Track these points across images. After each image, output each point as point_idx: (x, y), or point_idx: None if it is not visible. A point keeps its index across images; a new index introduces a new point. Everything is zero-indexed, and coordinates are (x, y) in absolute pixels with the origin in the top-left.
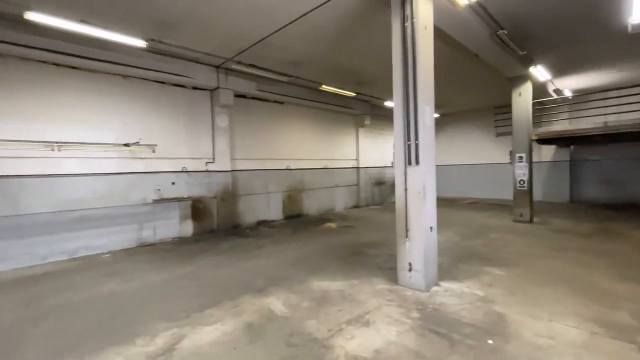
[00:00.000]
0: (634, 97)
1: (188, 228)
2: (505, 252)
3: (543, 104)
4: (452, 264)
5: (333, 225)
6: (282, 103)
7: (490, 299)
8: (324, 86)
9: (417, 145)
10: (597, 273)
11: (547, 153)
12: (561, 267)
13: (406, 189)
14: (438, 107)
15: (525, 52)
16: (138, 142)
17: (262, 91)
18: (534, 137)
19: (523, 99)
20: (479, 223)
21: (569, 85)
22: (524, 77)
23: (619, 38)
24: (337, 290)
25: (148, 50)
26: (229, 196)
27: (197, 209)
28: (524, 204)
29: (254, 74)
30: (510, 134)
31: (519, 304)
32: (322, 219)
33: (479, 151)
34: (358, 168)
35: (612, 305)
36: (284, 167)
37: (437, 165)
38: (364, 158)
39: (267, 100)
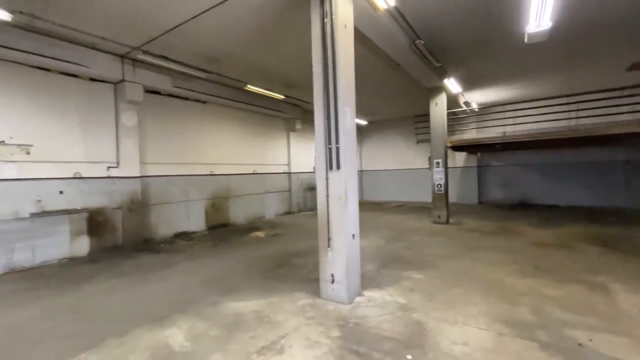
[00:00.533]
0: (526, 111)
1: (82, 245)
2: (424, 254)
3: (455, 114)
4: (376, 269)
5: (261, 234)
6: (204, 102)
7: (410, 306)
8: (249, 86)
9: (337, 149)
10: (501, 270)
11: (459, 159)
12: (472, 266)
13: (327, 195)
14: (366, 115)
15: (440, 64)
16: (3, 141)
17: (179, 87)
18: (448, 144)
19: (439, 109)
20: (403, 225)
21: (475, 98)
22: (440, 88)
23: (517, 57)
24: (253, 310)
25: (18, 25)
26: (138, 206)
27: (96, 222)
28: (441, 206)
29: (167, 67)
30: (428, 141)
31: (436, 309)
32: (250, 227)
33: (402, 157)
34: (289, 173)
35: (514, 302)
36: (207, 172)
37: (366, 170)
38: (295, 163)
39: (186, 99)
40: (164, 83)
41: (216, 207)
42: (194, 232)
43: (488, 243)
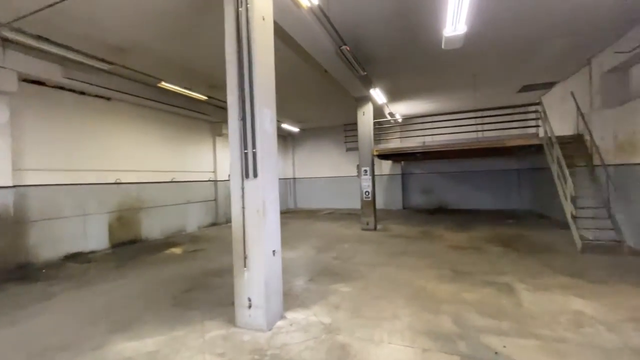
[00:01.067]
0: (442, 123)
1: None
2: (353, 263)
3: (381, 124)
4: (304, 284)
5: (178, 250)
6: (108, 99)
7: (335, 325)
8: (163, 83)
9: (254, 154)
10: (423, 276)
11: (385, 167)
12: (397, 273)
13: (243, 207)
14: (298, 122)
15: (365, 73)
16: None
17: (73, 79)
18: (375, 153)
19: (366, 118)
20: (334, 233)
21: (399, 110)
22: (366, 98)
23: (434, 71)
24: (149, 352)
25: None
26: (7, 223)
27: None
28: (369, 213)
29: (51, 52)
30: (357, 149)
31: (362, 327)
32: (167, 242)
33: (334, 164)
34: (215, 181)
35: (437, 310)
36: (112, 181)
37: (299, 178)
38: (222, 170)
39: (83, 93)
40: (50, 72)
41: (124, 221)
42: (92, 252)
43: (412, 248)
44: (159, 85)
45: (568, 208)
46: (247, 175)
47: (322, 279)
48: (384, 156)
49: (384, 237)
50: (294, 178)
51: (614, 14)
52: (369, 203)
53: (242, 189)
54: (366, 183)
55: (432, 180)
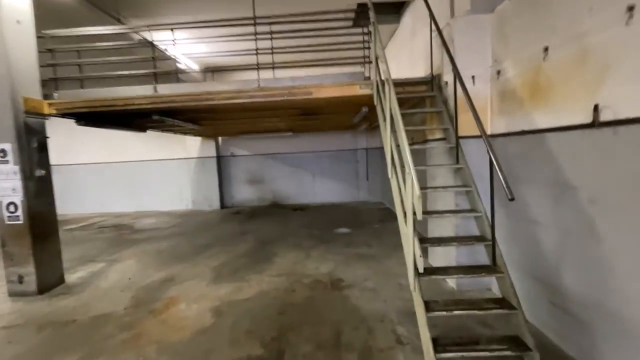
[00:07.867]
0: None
1: None
2: None
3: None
4: None
5: None
6: None
7: None
8: None
9: None
10: None
11: (192, 146)
12: None
13: None
14: None
15: None
16: None
17: None
18: (47, 110)
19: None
20: None
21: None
22: None
23: None
24: None
25: None
26: None
27: None
28: (25, 255)
29: None
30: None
31: None
32: None
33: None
34: None
35: None
36: None
37: (63, 165)
38: None
39: None
40: None
41: None
42: None
43: None
44: None
45: (409, 244)
46: None
47: None
48: (80, 116)
49: (8, 337)
50: (57, 165)
51: None
52: (19, 231)
53: None
54: (8, 183)
55: (262, 166)
